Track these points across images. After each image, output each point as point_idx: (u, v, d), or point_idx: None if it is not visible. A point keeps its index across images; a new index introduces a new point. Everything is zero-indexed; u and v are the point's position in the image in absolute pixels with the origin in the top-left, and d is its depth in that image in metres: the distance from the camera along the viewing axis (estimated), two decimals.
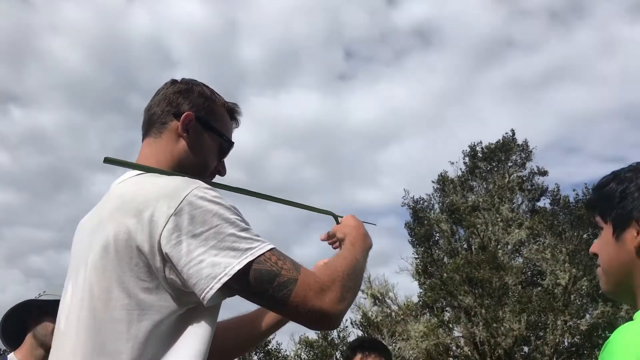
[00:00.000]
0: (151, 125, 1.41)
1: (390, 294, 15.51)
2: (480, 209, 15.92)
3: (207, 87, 1.46)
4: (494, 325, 11.17)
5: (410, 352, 12.43)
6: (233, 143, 1.46)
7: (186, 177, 1.26)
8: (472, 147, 19.06)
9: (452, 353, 14.34)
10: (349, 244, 1.40)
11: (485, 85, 37.06)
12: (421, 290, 15.85)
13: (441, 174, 18.97)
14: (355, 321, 14.37)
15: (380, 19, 40.97)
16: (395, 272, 18.42)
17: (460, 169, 18.92)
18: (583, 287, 12.66)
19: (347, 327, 13.71)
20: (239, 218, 1.20)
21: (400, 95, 38.06)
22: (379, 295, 15.15)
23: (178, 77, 1.47)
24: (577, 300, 12.86)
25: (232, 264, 1.14)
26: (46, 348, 2.38)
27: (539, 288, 13.86)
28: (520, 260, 15.61)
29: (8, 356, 2.43)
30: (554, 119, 37.14)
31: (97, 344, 1.17)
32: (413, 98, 37.45)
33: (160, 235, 1.15)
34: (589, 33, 35.73)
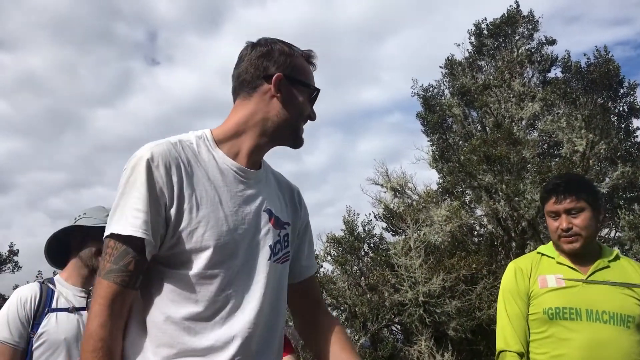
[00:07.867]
0: (241, 89, 1.55)
1: (410, 185, 15.68)
2: (492, 87, 15.64)
3: (284, 42, 1.57)
4: (516, 199, 11.30)
5: (435, 236, 12.72)
6: (319, 90, 1.57)
7: (166, 141, 1.44)
8: (477, 25, 18.42)
9: (476, 232, 14.69)
10: None
11: None
12: (440, 176, 16.01)
13: (448, 57, 18.52)
14: (378, 214, 14.62)
15: None
16: (412, 163, 18.53)
17: (467, 49, 18.43)
18: (601, 151, 12.65)
19: (371, 220, 13.97)
20: (138, 194, 1.34)
21: None
22: (398, 187, 15.31)
23: (254, 39, 1.58)
24: (596, 165, 12.90)
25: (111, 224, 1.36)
26: (90, 268, 2.48)
27: (557, 159, 13.87)
28: (536, 134, 15.54)
29: (54, 277, 2.54)
30: None
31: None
32: None
33: None
34: None
